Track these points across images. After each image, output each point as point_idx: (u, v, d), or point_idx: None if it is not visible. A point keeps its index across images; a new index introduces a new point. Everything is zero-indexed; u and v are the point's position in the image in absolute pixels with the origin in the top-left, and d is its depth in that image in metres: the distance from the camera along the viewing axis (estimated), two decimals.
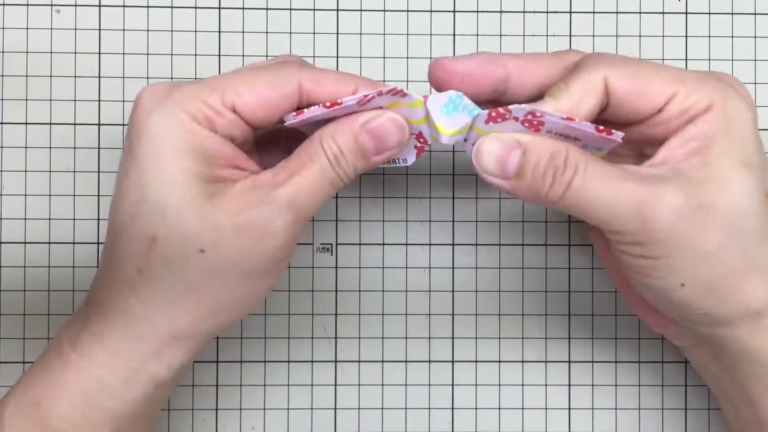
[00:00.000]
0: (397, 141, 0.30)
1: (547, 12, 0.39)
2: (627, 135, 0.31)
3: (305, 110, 0.30)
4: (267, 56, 0.39)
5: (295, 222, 0.29)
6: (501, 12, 0.39)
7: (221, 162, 0.29)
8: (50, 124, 0.39)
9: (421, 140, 0.32)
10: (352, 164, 0.30)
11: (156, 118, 0.28)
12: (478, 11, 0.39)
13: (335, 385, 0.39)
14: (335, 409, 0.39)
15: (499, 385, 0.39)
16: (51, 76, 0.39)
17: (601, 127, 0.29)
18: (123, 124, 0.39)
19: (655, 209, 0.28)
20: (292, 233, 0.29)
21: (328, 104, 0.29)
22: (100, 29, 0.39)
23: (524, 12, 0.39)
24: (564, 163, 0.29)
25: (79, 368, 0.29)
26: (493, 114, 0.29)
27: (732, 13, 0.39)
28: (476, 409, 0.39)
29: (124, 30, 0.39)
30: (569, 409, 0.39)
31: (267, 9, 0.39)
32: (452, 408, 0.39)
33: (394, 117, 0.30)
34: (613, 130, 0.29)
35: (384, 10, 0.39)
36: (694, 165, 0.29)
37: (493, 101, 0.32)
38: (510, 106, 0.29)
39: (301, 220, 0.29)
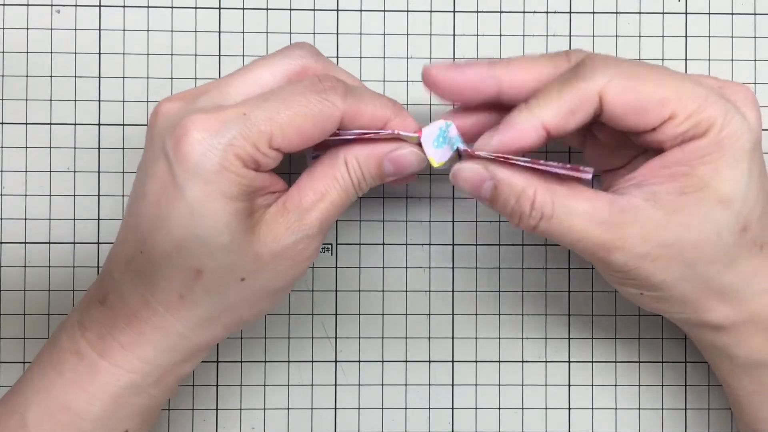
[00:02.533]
0: (414, 170, 0.32)
1: (547, 12, 0.39)
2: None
3: None
4: None
5: (321, 242, 0.31)
6: (501, 12, 0.39)
7: (260, 193, 0.30)
8: (50, 124, 0.39)
9: None
10: (369, 185, 0.32)
11: (210, 163, 0.28)
12: (478, 11, 0.39)
13: (335, 385, 0.39)
14: (335, 409, 0.39)
15: (499, 385, 0.39)
16: (51, 76, 0.39)
17: (569, 165, 0.29)
18: (123, 124, 0.39)
19: (612, 254, 0.29)
20: (318, 252, 0.32)
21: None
22: (100, 29, 0.39)
23: (524, 12, 0.39)
24: (530, 207, 0.30)
25: (110, 375, 0.30)
26: (469, 152, 0.31)
27: (732, 14, 0.39)
28: (476, 409, 0.39)
29: (124, 30, 0.39)
30: (569, 409, 0.39)
31: (267, 9, 0.39)
32: (452, 408, 0.39)
33: (417, 152, 0.32)
34: (582, 168, 0.29)
35: (384, 10, 0.39)
36: (670, 191, 0.29)
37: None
38: (477, 151, 0.30)
39: (324, 237, 0.32)
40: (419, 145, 0.32)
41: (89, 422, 0.30)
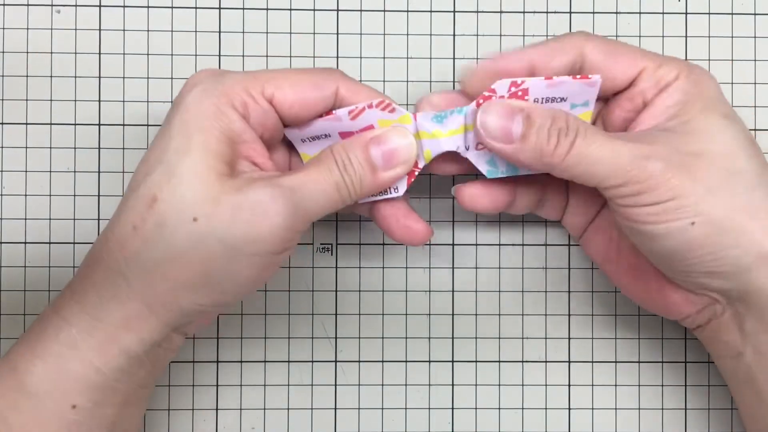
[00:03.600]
0: (406, 156, 0.31)
1: (547, 12, 0.39)
2: (612, 119, 0.33)
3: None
4: (267, 56, 0.39)
5: (294, 213, 0.29)
6: (501, 12, 0.39)
7: (243, 151, 0.30)
8: (50, 124, 0.39)
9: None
10: (359, 174, 0.31)
11: (195, 94, 0.30)
12: (478, 11, 0.39)
13: (335, 385, 0.39)
14: (335, 409, 0.39)
15: (499, 385, 0.39)
16: (51, 76, 0.39)
17: (578, 75, 0.31)
18: (123, 125, 0.39)
19: (652, 157, 0.29)
20: (289, 223, 0.29)
21: (323, 114, 0.31)
22: (100, 29, 0.39)
23: (524, 12, 0.39)
24: (566, 125, 0.30)
25: (55, 328, 0.30)
26: (481, 101, 0.31)
27: (732, 14, 0.39)
28: (476, 409, 0.39)
29: (124, 30, 0.39)
30: (569, 409, 0.39)
31: (267, 9, 0.39)
32: (452, 408, 0.39)
33: (401, 128, 0.31)
34: (590, 75, 0.31)
35: (384, 10, 0.39)
36: (677, 124, 0.31)
37: None
38: (492, 85, 0.30)
39: (301, 215, 0.29)
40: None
41: (30, 384, 0.29)
